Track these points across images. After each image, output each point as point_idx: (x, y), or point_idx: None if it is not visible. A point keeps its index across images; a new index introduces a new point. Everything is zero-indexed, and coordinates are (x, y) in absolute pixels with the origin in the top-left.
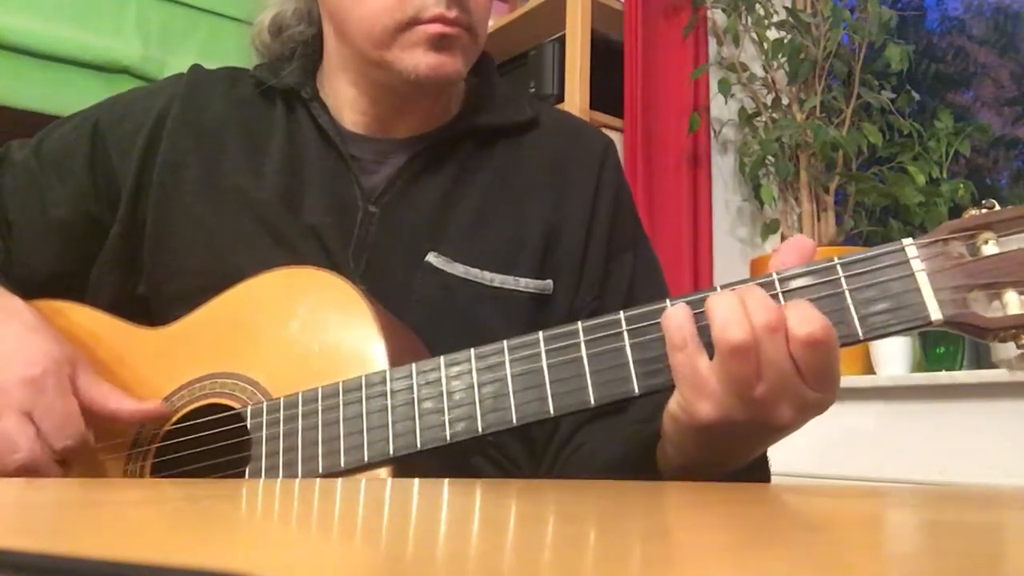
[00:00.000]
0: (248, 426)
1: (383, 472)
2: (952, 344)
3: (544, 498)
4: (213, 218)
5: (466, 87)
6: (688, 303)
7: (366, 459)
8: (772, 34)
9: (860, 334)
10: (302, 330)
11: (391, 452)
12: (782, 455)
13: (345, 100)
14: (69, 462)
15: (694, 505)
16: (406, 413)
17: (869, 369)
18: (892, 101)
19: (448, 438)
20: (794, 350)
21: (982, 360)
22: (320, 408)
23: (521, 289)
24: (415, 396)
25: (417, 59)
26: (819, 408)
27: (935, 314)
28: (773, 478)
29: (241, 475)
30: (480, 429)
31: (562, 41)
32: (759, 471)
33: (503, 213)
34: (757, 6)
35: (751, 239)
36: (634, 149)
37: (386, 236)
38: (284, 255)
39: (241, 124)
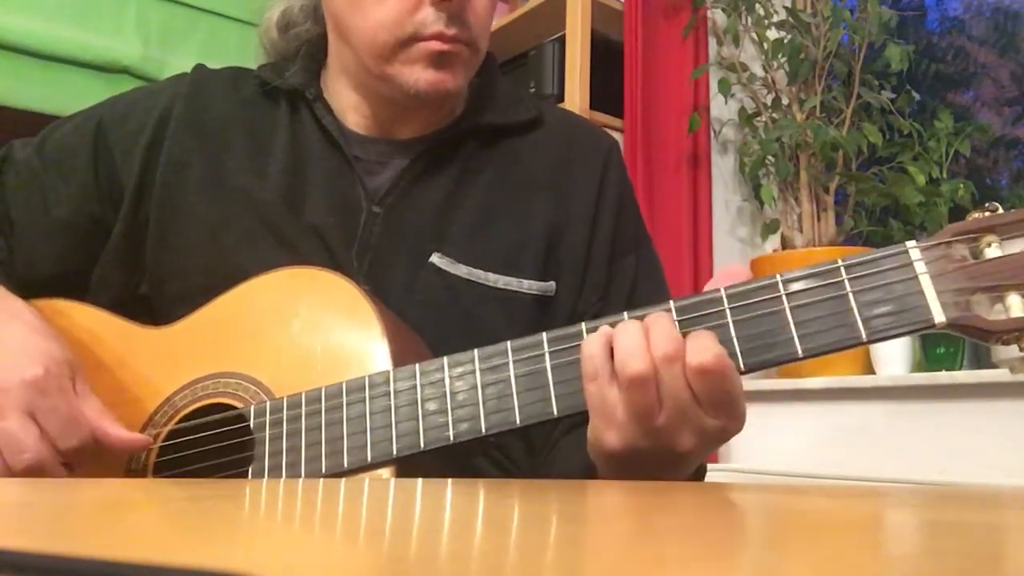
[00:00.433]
0: (251, 426)
1: (386, 472)
2: (952, 344)
3: (546, 498)
4: (216, 218)
5: (469, 87)
6: (611, 327)
7: (369, 459)
8: (772, 34)
9: (864, 336)
10: (305, 330)
11: (394, 452)
12: (782, 455)
13: (348, 102)
14: (73, 464)
15: (694, 505)
16: (409, 413)
17: (869, 369)
18: (892, 101)
19: (451, 438)
20: (690, 379)
21: (982, 360)
22: (323, 408)
23: (524, 290)
24: (418, 396)
25: (417, 75)
26: (722, 435)
27: (938, 317)
28: (773, 478)
29: (244, 475)
30: (483, 430)
31: (562, 41)
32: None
33: (506, 213)
34: (757, 6)
35: (751, 239)
36: (634, 149)
37: (389, 237)
38: (287, 255)
39: (245, 124)
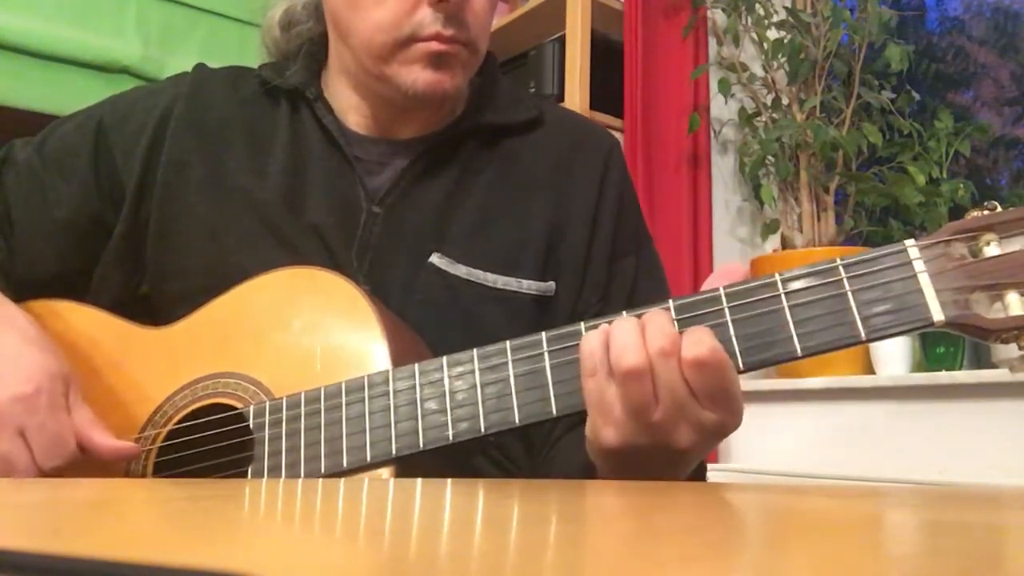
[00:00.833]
0: (251, 426)
1: (385, 472)
2: (952, 344)
3: (546, 498)
4: (216, 218)
5: (470, 87)
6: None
7: (368, 459)
8: (772, 34)
9: (863, 335)
10: (305, 330)
11: (394, 452)
12: (782, 455)
13: (349, 102)
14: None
15: (694, 505)
16: (409, 413)
17: (869, 369)
18: (892, 101)
19: (451, 438)
20: (686, 373)
21: (982, 360)
22: (323, 408)
23: (524, 291)
24: (418, 396)
25: (415, 76)
26: (720, 430)
27: (937, 315)
28: (773, 478)
29: (243, 475)
30: (483, 429)
31: (562, 41)
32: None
33: (506, 213)
34: (757, 6)
35: (751, 239)
36: (634, 149)
37: (389, 237)
38: (287, 255)
39: (245, 124)
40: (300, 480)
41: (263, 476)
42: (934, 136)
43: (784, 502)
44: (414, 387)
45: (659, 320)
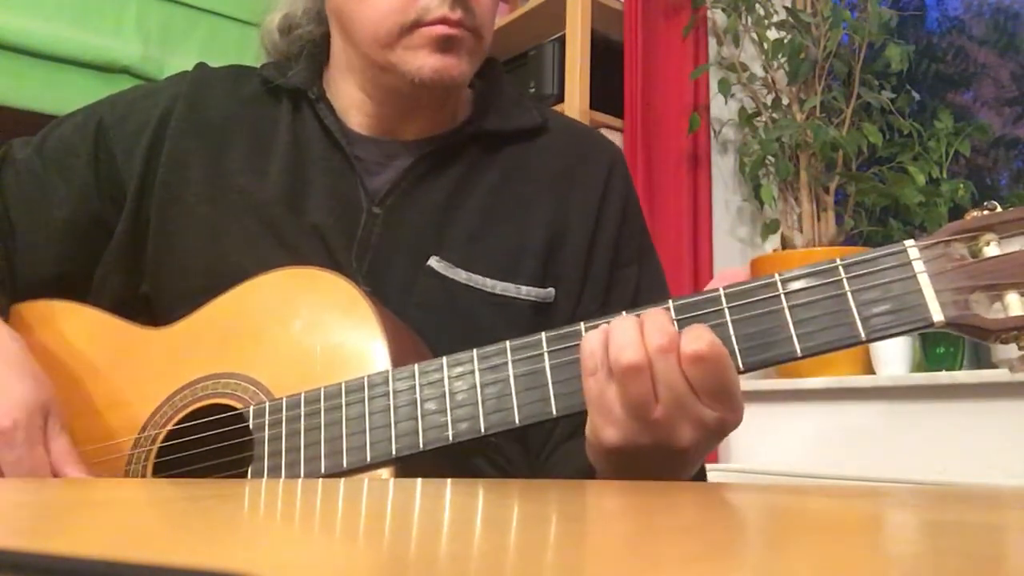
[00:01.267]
0: (250, 426)
1: (385, 472)
2: (952, 344)
3: (546, 498)
4: (216, 218)
5: (473, 92)
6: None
7: (368, 459)
8: (772, 34)
9: (863, 335)
10: (304, 330)
11: (393, 452)
12: (782, 455)
13: (351, 101)
14: None
15: (694, 505)
16: (409, 413)
17: (869, 369)
18: (892, 101)
19: (451, 438)
20: (685, 369)
21: (982, 360)
22: (322, 408)
23: (522, 297)
24: (418, 396)
25: (421, 61)
26: (721, 428)
27: (937, 315)
28: (773, 478)
29: (243, 475)
30: (483, 429)
31: (562, 41)
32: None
33: (507, 218)
34: (757, 6)
35: (751, 239)
36: (634, 149)
37: (389, 238)
38: (287, 255)
39: (246, 123)
40: (300, 480)
41: (263, 476)
42: (934, 136)
43: (784, 502)
44: (414, 387)
45: (658, 318)
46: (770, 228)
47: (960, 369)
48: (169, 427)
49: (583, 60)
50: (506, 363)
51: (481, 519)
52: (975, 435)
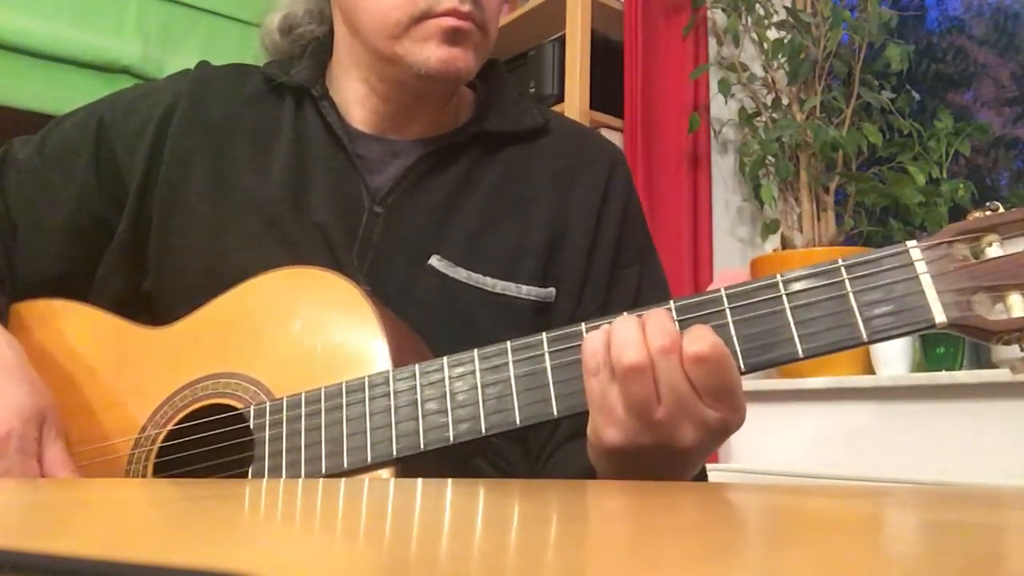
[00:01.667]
0: (251, 426)
1: (385, 473)
2: (952, 344)
3: (546, 498)
4: (217, 217)
5: (475, 94)
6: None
7: (369, 459)
8: (772, 34)
9: (864, 337)
10: (305, 330)
11: (394, 453)
12: (782, 455)
13: (355, 98)
14: None
15: (694, 505)
16: (409, 414)
17: (869, 369)
18: (892, 101)
19: (451, 439)
20: (688, 369)
21: (982, 360)
22: (323, 408)
23: (523, 296)
24: (418, 397)
25: (429, 52)
26: (723, 428)
27: (939, 317)
28: (773, 478)
29: (244, 475)
30: (483, 430)
31: (562, 41)
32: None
33: (508, 218)
34: (757, 6)
35: (751, 239)
36: (634, 149)
37: (390, 237)
38: (288, 254)
39: (249, 121)
40: (300, 480)
41: (263, 476)
42: (934, 136)
43: (784, 502)
44: (415, 387)
45: (660, 319)
46: (770, 228)
47: (960, 369)
48: (169, 427)
49: (583, 60)
50: (507, 363)
51: (481, 519)
52: (975, 435)
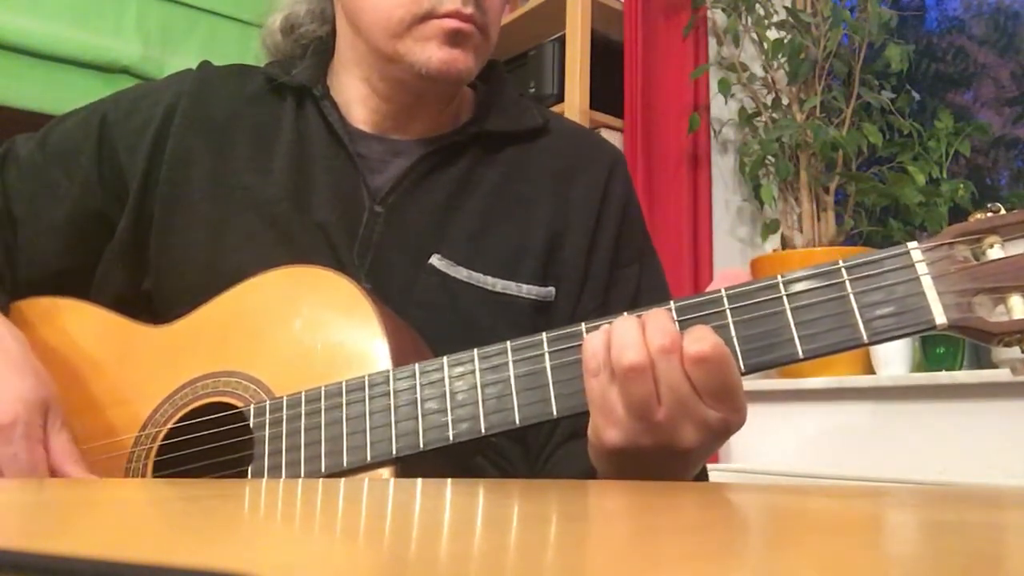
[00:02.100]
0: (251, 425)
1: (385, 472)
2: (952, 344)
3: (546, 498)
4: (218, 216)
5: (476, 94)
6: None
7: (369, 459)
8: (772, 34)
9: (865, 338)
10: (305, 329)
11: (394, 452)
12: (782, 455)
13: (356, 97)
14: None
15: (694, 505)
16: (409, 413)
17: (869, 369)
18: (892, 101)
19: (451, 438)
20: (688, 370)
21: (982, 360)
22: (323, 407)
23: (523, 295)
24: (418, 396)
25: (430, 52)
26: (724, 428)
27: (940, 318)
28: (773, 478)
29: (243, 474)
30: (483, 430)
31: (562, 41)
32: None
33: (508, 218)
34: (757, 6)
35: (751, 239)
36: (634, 149)
37: (390, 236)
38: (289, 253)
39: (250, 121)
40: (300, 480)
41: (263, 476)
42: (934, 136)
43: (784, 502)
44: (414, 387)
45: (660, 319)
46: (770, 228)
47: (960, 369)
48: (169, 425)
49: (583, 60)
50: (507, 363)
51: (481, 519)
52: (975, 435)
